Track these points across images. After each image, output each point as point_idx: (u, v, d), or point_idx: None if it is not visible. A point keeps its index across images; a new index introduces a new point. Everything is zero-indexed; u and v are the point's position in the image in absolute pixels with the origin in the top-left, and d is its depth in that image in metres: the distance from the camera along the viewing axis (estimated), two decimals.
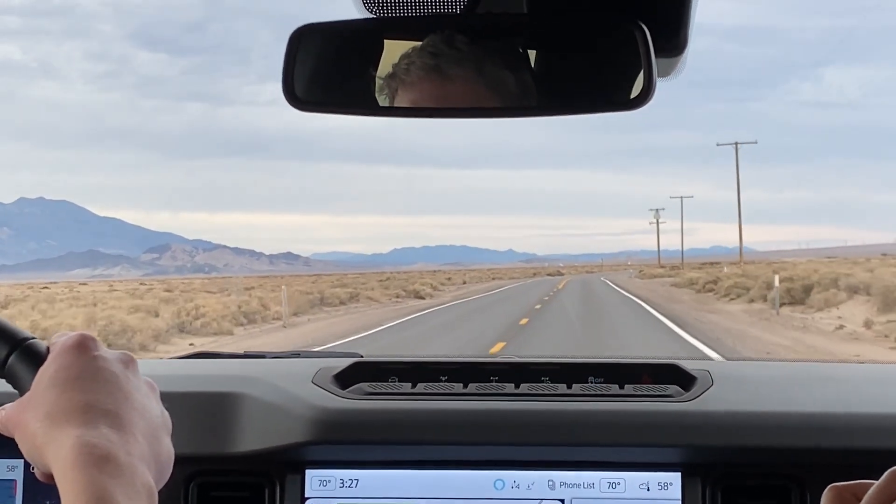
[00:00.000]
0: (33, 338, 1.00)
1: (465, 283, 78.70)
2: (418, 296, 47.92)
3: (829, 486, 0.90)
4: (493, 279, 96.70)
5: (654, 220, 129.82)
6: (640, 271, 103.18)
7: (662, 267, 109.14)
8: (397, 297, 46.45)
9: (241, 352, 2.01)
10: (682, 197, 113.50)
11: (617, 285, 57.83)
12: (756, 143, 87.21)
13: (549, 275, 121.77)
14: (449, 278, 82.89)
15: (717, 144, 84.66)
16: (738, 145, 78.32)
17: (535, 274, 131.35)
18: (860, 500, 0.84)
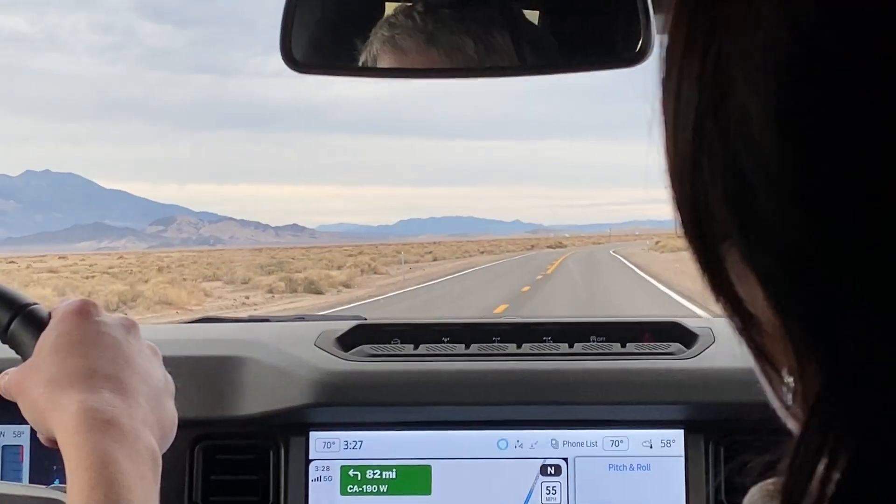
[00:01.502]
0: (36, 303, 1.01)
1: (436, 259, 61.03)
2: (314, 290, 29.78)
3: None
4: (482, 252, 78.90)
5: None
6: (657, 242, 74.17)
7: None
8: (270, 291, 29.66)
9: (244, 316, 2.01)
10: None
11: (641, 269, 35.59)
12: None
13: (549, 247, 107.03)
14: (430, 252, 71.11)
15: None
16: None
17: (532, 246, 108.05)
18: None
